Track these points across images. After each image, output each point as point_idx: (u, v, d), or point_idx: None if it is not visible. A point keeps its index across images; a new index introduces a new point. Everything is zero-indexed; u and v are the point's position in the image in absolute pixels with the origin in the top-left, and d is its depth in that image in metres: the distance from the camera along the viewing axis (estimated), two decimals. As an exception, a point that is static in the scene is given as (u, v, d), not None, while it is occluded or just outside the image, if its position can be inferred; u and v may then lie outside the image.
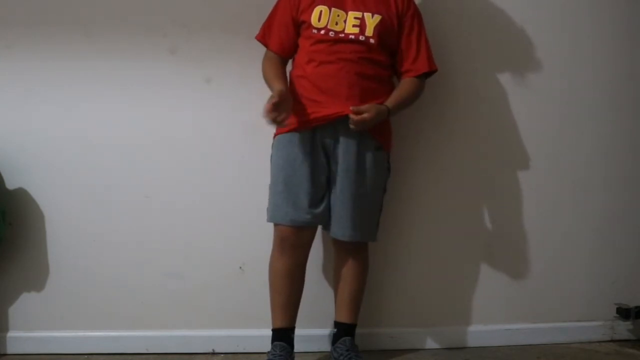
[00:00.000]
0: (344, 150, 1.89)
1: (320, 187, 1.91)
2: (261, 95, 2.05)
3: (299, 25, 1.93)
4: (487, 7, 2.21)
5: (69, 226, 2.14)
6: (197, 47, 2.13)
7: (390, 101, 1.92)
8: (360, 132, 1.86)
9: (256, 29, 1.99)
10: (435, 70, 2.01)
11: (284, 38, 1.95)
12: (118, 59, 2.12)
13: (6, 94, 2.12)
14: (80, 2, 2.12)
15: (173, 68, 2.13)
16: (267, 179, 1.96)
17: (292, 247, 1.92)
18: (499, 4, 2.21)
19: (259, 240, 2.03)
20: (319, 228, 2.02)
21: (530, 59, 2.23)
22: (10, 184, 2.12)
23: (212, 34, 2.12)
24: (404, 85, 1.98)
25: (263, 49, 1.99)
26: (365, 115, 1.81)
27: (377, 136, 1.93)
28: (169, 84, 2.14)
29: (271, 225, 1.94)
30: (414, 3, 1.99)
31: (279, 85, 1.85)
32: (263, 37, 1.99)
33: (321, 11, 1.89)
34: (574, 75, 2.27)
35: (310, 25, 1.90)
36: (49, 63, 2.11)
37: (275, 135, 1.96)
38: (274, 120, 1.77)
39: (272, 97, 1.78)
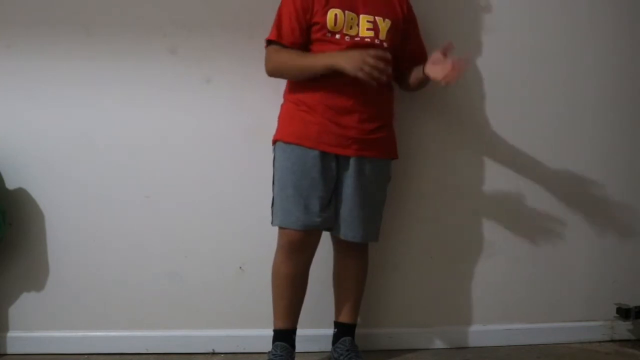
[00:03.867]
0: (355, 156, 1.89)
1: (329, 189, 1.89)
2: (261, 95, 2.06)
3: (310, 26, 1.88)
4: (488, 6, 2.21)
5: (68, 226, 2.14)
6: (197, 47, 2.12)
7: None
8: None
9: (256, 29, 1.98)
10: None
11: (298, 38, 1.88)
12: (118, 59, 2.11)
13: (6, 94, 2.12)
14: (80, 2, 2.12)
15: (173, 68, 2.13)
16: (267, 179, 1.96)
17: (299, 251, 1.91)
18: (500, 4, 2.21)
19: (259, 240, 2.03)
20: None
21: (531, 59, 2.23)
22: (10, 184, 2.12)
23: (212, 34, 2.12)
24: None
25: (263, 49, 1.95)
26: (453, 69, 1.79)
27: (387, 155, 1.97)
28: (169, 84, 2.13)
29: (270, 225, 1.94)
30: (411, 6, 2.00)
31: (333, 52, 1.80)
32: (278, 37, 1.88)
33: (336, 14, 1.85)
34: (574, 75, 2.27)
35: (324, 28, 1.86)
36: (49, 63, 2.11)
37: (275, 141, 1.94)
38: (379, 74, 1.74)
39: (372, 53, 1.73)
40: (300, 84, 1.91)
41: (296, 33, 1.87)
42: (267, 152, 1.98)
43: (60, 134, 2.12)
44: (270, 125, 1.97)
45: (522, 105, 2.25)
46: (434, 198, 2.24)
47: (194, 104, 2.14)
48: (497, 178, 2.26)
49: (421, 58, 1.97)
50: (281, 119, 1.96)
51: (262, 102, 2.07)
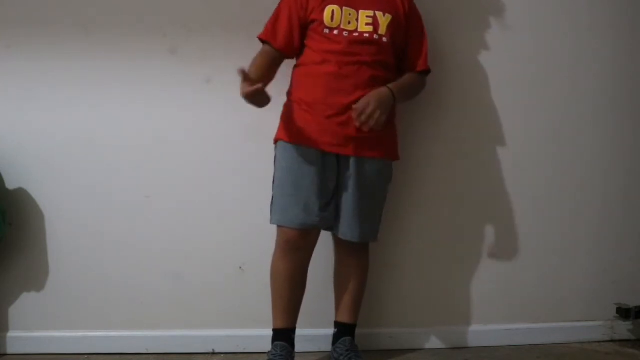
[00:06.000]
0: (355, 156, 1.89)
1: (329, 189, 1.90)
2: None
3: (307, 24, 1.90)
4: (488, 6, 2.20)
5: (69, 226, 2.14)
6: (197, 47, 2.13)
7: (392, 84, 1.88)
8: (377, 128, 1.82)
9: (256, 29, 1.98)
10: (429, 71, 2.01)
11: (291, 37, 1.90)
12: (118, 59, 2.12)
13: (6, 94, 2.12)
14: (80, 2, 2.12)
15: (173, 68, 2.13)
16: (267, 179, 1.96)
17: (297, 249, 1.91)
18: (499, 4, 2.21)
19: (259, 240, 2.03)
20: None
21: (531, 59, 2.23)
22: (10, 184, 2.12)
23: (212, 34, 2.12)
24: (407, 76, 1.96)
25: (263, 49, 1.98)
26: (368, 110, 1.79)
27: (388, 156, 1.96)
28: (169, 84, 2.14)
29: (270, 225, 1.94)
30: (414, 4, 1.99)
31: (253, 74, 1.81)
32: (267, 36, 1.93)
33: (333, 10, 1.87)
34: (574, 75, 2.27)
35: (322, 24, 1.87)
36: (49, 63, 2.11)
37: (277, 140, 1.95)
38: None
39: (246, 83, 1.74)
40: (301, 83, 1.92)
41: (289, 36, 1.91)
42: (267, 152, 1.98)
43: (60, 134, 2.12)
44: (270, 124, 1.97)
45: (522, 106, 2.24)
46: (434, 198, 2.24)
47: (194, 104, 2.14)
48: (496, 178, 2.26)
49: (414, 57, 1.96)
50: (283, 118, 1.97)
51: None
